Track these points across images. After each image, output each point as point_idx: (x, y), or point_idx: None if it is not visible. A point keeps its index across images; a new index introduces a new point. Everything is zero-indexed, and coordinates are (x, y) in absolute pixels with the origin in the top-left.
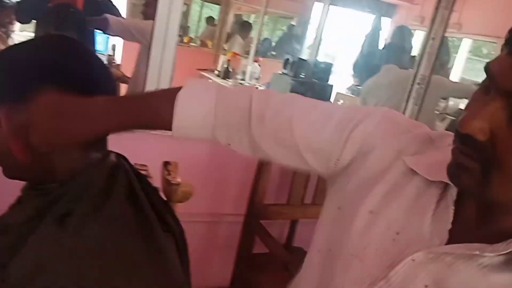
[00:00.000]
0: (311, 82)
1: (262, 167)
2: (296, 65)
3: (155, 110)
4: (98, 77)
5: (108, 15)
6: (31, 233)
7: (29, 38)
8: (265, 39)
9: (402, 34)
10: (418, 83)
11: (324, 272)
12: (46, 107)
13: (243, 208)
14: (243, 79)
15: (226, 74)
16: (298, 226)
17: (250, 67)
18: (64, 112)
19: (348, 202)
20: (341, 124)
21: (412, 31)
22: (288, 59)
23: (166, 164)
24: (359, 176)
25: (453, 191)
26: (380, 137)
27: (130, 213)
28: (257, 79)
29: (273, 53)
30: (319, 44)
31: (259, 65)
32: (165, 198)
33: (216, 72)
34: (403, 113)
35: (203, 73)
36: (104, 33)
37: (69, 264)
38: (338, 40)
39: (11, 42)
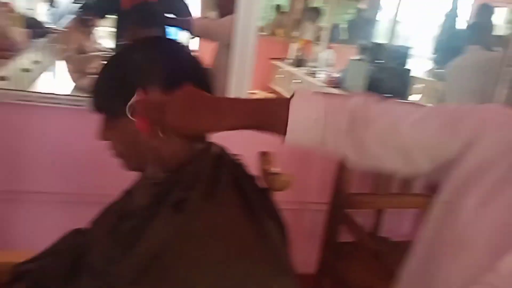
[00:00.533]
0: (389, 67)
1: None
2: (372, 50)
3: (272, 114)
4: (198, 72)
5: (191, 17)
6: (150, 219)
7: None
8: (335, 24)
9: (486, 12)
10: (509, 65)
11: (430, 263)
12: (185, 97)
13: (326, 197)
14: (315, 67)
15: (299, 62)
16: (384, 215)
17: (324, 53)
18: (200, 105)
19: (455, 193)
20: (448, 119)
21: (494, 9)
22: (364, 44)
23: (262, 154)
24: (467, 167)
25: None
26: (489, 128)
27: (237, 199)
28: (331, 66)
29: (343, 38)
30: (394, 26)
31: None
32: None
33: (288, 60)
34: (492, 97)
35: (274, 62)
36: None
37: (189, 247)
38: (414, 22)
39: (92, 37)
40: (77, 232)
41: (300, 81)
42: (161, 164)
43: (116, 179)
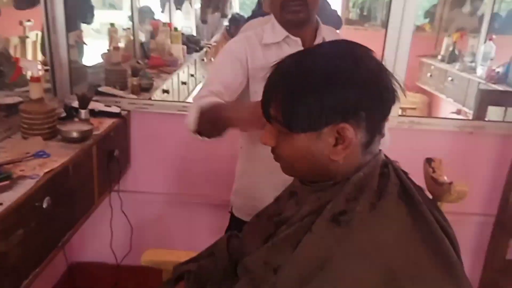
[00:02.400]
0: None
1: None
2: None
3: None
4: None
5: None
6: (308, 228)
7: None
8: (494, 13)
9: None
10: None
11: None
12: None
13: (493, 208)
14: (472, 61)
15: (452, 58)
16: None
17: (483, 46)
18: None
19: None
20: None
21: None
22: None
23: (429, 160)
24: None
25: None
26: None
27: (405, 211)
28: (491, 59)
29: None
30: None
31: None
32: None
33: (439, 57)
34: None
35: (423, 59)
36: None
37: (352, 262)
38: None
39: None
40: (232, 236)
41: (452, 78)
42: (328, 174)
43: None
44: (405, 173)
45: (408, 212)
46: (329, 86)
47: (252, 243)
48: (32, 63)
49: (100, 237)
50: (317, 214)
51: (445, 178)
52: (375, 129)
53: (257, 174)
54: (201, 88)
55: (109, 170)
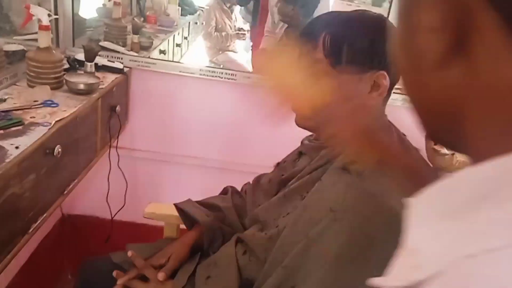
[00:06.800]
0: None
1: None
2: None
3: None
4: None
5: None
6: (318, 178)
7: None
8: None
9: None
10: None
11: None
12: None
13: None
14: None
15: None
16: None
17: None
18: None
19: None
20: None
21: None
22: None
23: None
24: None
25: None
26: None
27: (406, 168)
28: None
29: None
30: None
31: None
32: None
33: None
34: None
35: None
36: None
37: (362, 204)
38: None
39: (231, 16)
40: (234, 193)
41: None
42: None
43: (258, 149)
44: (404, 135)
45: (409, 168)
46: (378, 33)
47: (256, 202)
48: (43, 10)
49: (96, 191)
50: (326, 167)
51: (445, 150)
52: (391, 89)
53: None
54: None
55: (110, 125)
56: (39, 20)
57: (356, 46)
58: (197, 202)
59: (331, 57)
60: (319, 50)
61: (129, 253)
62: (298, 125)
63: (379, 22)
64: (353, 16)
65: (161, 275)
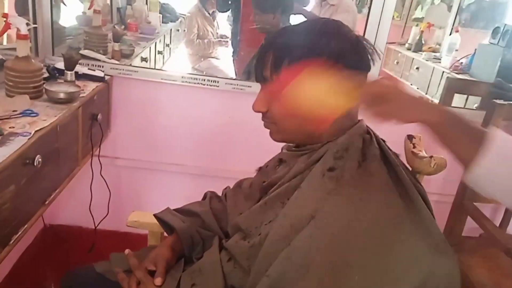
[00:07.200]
0: None
1: None
2: (506, 34)
3: (459, 139)
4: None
5: None
6: (297, 186)
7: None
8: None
9: None
10: None
11: None
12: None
13: (453, 189)
14: (435, 51)
15: (419, 47)
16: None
17: (449, 37)
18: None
19: None
20: None
21: None
22: (497, 28)
23: (410, 137)
24: None
25: None
26: None
27: (386, 171)
28: (456, 50)
29: (468, 21)
30: None
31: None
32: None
33: (406, 45)
34: None
35: (391, 46)
36: None
37: (342, 211)
38: None
39: (213, 23)
40: (213, 198)
41: (418, 67)
42: (316, 136)
43: (241, 155)
44: (383, 141)
45: (388, 172)
46: (315, 38)
47: (238, 206)
48: (21, 20)
49: (79, 201)
50: (304, 174)
51: (424, 153)
52: None
53: None
54: None
55: (91, 134)
56: (18, 29)
57: (293, 54)
58: (175, 209)
59: (275, 70)
60: (266, 68)
61: (126, 251)
62: (275, 140)
63: (324, 26)
64: (292, 30)
65: (158, 280)
